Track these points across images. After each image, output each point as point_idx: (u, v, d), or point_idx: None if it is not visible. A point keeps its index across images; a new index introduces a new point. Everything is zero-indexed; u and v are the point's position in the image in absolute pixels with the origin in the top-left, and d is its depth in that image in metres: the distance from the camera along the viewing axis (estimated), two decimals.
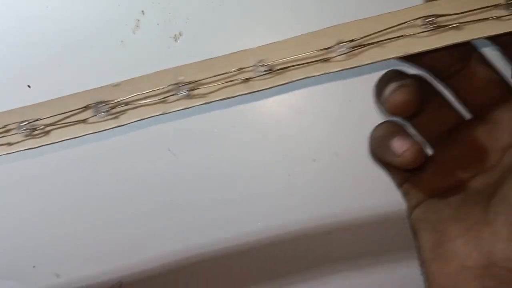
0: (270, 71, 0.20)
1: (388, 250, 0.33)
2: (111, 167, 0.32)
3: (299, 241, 0.32)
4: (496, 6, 0.19)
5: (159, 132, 0.32)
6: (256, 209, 0.32)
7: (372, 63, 0.20)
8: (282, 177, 0.32)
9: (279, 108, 0.33)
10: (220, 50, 0.33)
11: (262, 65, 0.20)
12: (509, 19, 0.19)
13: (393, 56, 0.20)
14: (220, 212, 0.32)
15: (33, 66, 0.32)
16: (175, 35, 0.33)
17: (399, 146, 0.19)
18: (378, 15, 0.21)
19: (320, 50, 0.20)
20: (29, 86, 0.32)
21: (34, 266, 0.32)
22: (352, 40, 0.20)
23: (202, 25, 0.33)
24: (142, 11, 0.33)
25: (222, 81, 0.20)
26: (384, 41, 0.20)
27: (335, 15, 0.34)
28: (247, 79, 0.20)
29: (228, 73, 0.20)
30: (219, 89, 0.20)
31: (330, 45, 0.20)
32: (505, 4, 0.18)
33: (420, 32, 0.19)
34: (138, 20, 0.33)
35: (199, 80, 0.20)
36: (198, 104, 0.20)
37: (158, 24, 0.33)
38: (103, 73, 0.32)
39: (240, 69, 0.20)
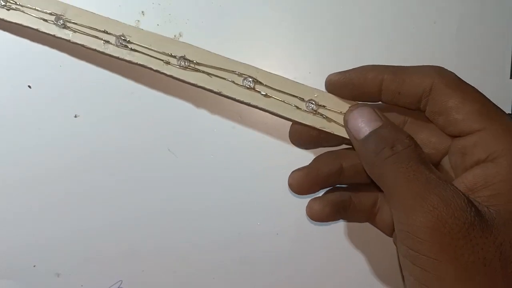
0: (126, 46, 0.27)
1: (389, 248, 0.33)
2: (112, 167, 0.32)
3: (299, 241, 0.33)
4: (301, 98, 0.26)
5: (160, 132, 0.32)
6: (256, 209, 0.32)
7: (194, 84, 0.27)
8: (283, 177, 0.32)
9: None
10: (220, 50, 0.33)
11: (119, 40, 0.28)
12: (302, 111, 0.26)
13: (211, 88, 0.26)
14: (221, 212, 0.32)
15: (34, 67, 0.32)
16: (175, 35, 0.33)
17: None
18: (221, 56, 0.27)
19: (168, 55, 0.27)
20: (29, 86, 0.32)
21: (34, 266, 0.32)
22: (191, 61, 0.27)
23: (202, 26, 0.33)
24: (142, 12, 0.33)
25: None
26: (214, 76, 0.26)
27: (331, 16, 0.34)
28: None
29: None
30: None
31: (177, 55, 0.27)
32: (307, 100, 0.26)
33: (239, 85, 0.26)
34: (138, 21, 0.33)
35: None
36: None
37: (158, 25, 0.33)
38: (104, 74, 0.32)
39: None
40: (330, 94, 0.26)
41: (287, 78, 0.26)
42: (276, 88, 0.26)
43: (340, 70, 0.33)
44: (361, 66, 0.24)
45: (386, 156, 0.21)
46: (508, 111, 0.34)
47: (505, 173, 0.19)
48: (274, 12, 0.33)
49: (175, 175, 0.32)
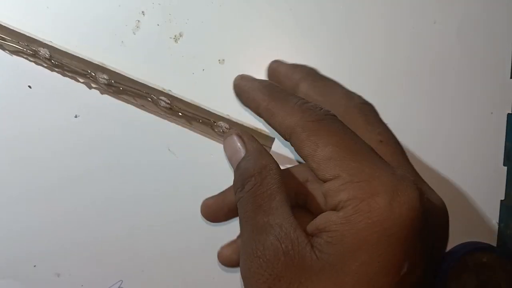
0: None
1: None
2: (112, 168, 0.32)
3: None
4: (214, 123, 0.29)
5: (160, 132, 0.32)
6: None
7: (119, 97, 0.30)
8: None
9: None
10: (220, 50, 0.33)
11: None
12: (216, 133, 0.30)
13: (136, 103, 0.30)
14: None
15: (34, 67, 0.32)
16: (175, 35, 0.33)
17: None
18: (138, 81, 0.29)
19: (87, 73, 0.30)
20: (29, 86, 0.32)
21: (34, 266, 0.32)
22: (109, 79, 0.30)
23: (203, 26, 0.33)
24: (143, 12, 0.33)
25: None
26: (132, 94, 0.30)
27: (331, 15, 0.34)
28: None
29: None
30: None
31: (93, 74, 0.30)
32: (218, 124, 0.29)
33: (159, 106, 0.29)
34: (139, 20, 0.33)
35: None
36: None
37: (158, 24, 0.33)
38: None
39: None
40: (237, 122, 0.27)
41: (197, 105, 0.29)
42: (189, 111, 0.29)
43: (338, 71, 0.34)
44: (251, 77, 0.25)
45: (238, 197, 0.21)
46: (508, 111, 0.34)
47: (339, 223, 0.18)
48: (275, 13, 0.33)
49: (175, 175, 0.32)
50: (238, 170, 0.22)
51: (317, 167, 0.19)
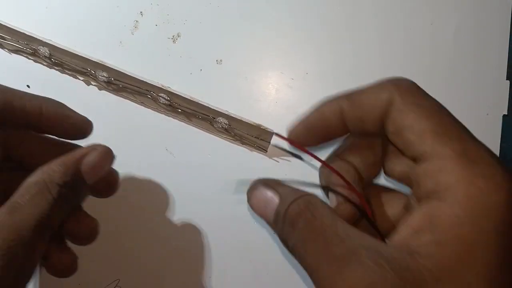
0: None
1: None
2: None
3: None
4: (212, 117, 0.31)
5: (157, 132, 0.32)
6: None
7: (118, 94, 0.31)
8: (282, 176, 0.33)
9: (276, 108, 0.33)
10: (218, 50, 0.34)
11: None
12: (216, 128, 0.31)
13: (135, 100, 0.31)
14: (219, 211, 0.33)
15: (32, 66, 0.32)
16: (173, 36, 0.33)
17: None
18: (136, 77, 0.31)
19: (87, 71, 0.31)
20: (28, 86, 0.32)
21: None
22: (109, 77, 0.31)
23: (200, 27, 0.33)
24: (141, 13, 0.33)
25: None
26: (132, 91, 0.31)
27: (331, 15, 0.34)
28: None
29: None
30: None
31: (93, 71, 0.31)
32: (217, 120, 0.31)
33: (159, 103, 0.31)
34: (137, 21, 0.33)
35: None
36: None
37: (156, 25, 0.33)
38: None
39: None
40: (236, 118, 0.30)
41: (197, 101, 0.30)
42: (188, 107, 0.30)
43: (336, 71, 0.34)
44: (316, 107, 0.20)
45: (293, 243, 0.18)
46: (504, 112, 0.34)
47: (451, 214, 0.15)
48: (272, 13, 0.34)
49: (172, 174, 0.32)
50: (280, 216, 0.19)
51: (416, 139, 0.17)
